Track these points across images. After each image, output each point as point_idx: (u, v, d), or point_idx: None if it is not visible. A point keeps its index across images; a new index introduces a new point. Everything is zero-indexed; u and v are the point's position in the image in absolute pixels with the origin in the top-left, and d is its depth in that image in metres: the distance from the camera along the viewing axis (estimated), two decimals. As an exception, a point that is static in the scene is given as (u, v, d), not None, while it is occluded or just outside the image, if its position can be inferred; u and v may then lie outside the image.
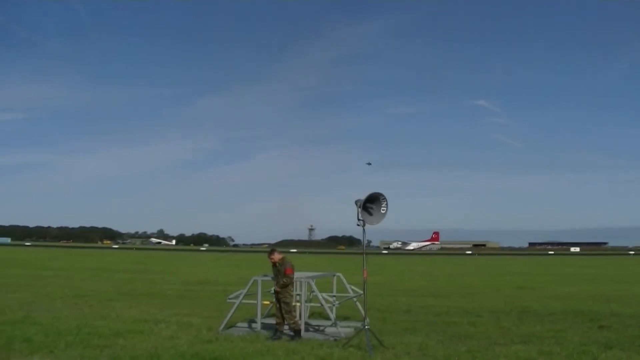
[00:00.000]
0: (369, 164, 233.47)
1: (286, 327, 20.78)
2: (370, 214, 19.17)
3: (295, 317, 20.76)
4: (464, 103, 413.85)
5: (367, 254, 19.80)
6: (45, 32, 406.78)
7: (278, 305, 20.75)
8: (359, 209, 18.86)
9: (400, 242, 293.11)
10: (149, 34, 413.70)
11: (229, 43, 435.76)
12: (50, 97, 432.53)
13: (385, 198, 19.11)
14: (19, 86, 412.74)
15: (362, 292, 22.14)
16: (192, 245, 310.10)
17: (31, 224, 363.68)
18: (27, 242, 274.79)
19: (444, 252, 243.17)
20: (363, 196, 18.97)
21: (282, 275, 20.58)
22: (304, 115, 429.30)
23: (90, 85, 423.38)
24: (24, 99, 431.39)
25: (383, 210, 19.24)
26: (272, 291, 21.48)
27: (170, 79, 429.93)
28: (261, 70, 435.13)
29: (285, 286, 20.58)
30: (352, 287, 24.82)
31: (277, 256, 21.09)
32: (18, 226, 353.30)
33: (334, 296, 24.18)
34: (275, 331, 20.68)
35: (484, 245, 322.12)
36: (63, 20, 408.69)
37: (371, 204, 19.13)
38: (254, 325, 22.44)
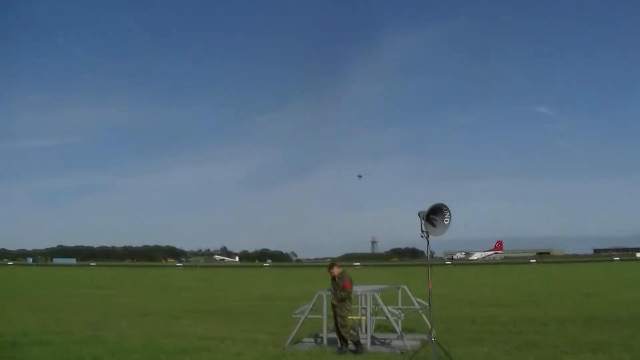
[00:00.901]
0: (360, 176, 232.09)
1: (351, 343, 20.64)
2: (434, 226, 18.97)
3: (350, 329, 20.62)
4: (524, 110, 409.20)
5: (431, 265, 19.61)
6: (105, 54, 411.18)
7: (335, 319, 20.61)
8: (423, 221, 18.69)
9: (463, 253, 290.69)
10: (208, 53, 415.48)
11: (287, 60, 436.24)
12: (111, 119, 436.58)
13: (448, 209, 18.91)
14: (79, 108, 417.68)
15: (427, 304, 21.94)
16: (256, 261, 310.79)
17: (95, 245, 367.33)
18: (92, 262, 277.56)
19: (507, 261, 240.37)
20: (426, 208, 18.80)
21: (340, 289, 20.45)
22: (364, 128, 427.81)
23: (150, 106, 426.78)
24: (85, 121, 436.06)
25: (446, 221, 19.04)
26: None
27: (229, 98, 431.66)
28: (320, 85, 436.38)
29: (342, 300, 20.43)
30: (417, 299, 24.65)
31: (336, 270, 20.97)
32: (83, 247, 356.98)
33: (400, 309, 23.99)
34: (341, 346, 20.56)
35: (548, 253, 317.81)
36: (122, 41, 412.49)
37: (434, 215, 18.94)
38: (319, 340, 22.35)
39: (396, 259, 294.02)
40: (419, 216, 18.84)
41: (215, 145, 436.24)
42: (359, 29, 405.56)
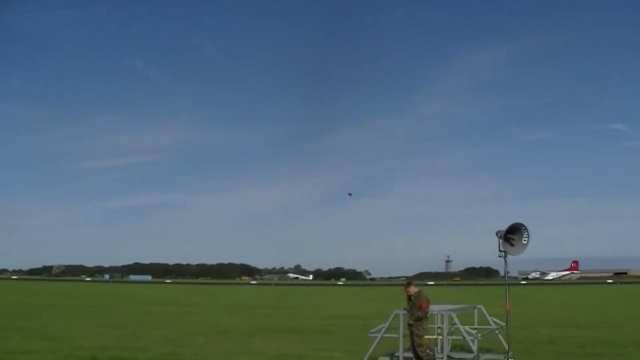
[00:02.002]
0: (350, 194, 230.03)
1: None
2: (512, 245, 18.88)
3: (427, 349, 20.52)
4: (599, 127, 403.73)
5: (507, 285, 19.43)
6: (179, 75, 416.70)
7: (411, 338, 20.51)
8: (500, 240, 18.59)
9: (538, 272, 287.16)
10: (279, 69, 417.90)
11: (360, 79, 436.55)
12: (185, 139, 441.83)
13: (526, 228, 18.80)
14: (154, 129, 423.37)
15: (504, 324, 21.78)
16: (332, 279, 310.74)
17: (170, 262, 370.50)
18: (167, 279, 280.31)
19: (583, 281, 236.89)
20: (504, 227, 18.69)
21: (417, 309, 20.36)
22: (436, 146, 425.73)
23: (222, 124, 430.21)
24: (160, 141, 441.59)
25: (524, 241, 18.93)
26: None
27: (302, 115, 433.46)
28: (393, 102, 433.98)
29: (419, 319, 20.35)
30: (494, 319, 24.46)
31: (413, 289, 20.89)
32: (158, 264, 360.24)
33: (476, 328, 23.83)
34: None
35: (625, 273, 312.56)
36: (196, 63, 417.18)
37: (512, 234, 18.82)
38: (395, 359, 22.28)
39: (457, 278, 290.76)
40: (497, 235, 18.74)
41: (289, 163, 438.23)
42: (430, 48, 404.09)
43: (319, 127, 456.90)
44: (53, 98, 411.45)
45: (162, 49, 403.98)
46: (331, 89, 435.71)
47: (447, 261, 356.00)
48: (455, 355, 23.58)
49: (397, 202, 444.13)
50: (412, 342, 20.45)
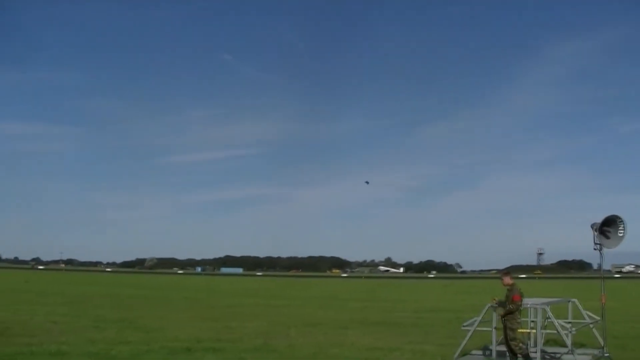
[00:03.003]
0: (367, 182, 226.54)
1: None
2: (608, 238, 18.57)
3: (519, 342, 20.28)
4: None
5: (599, 278, 19.10)
6: (269, 69, 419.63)
7: (504, 332, 20.26)
8: (596, 233, 18.31)
9: (633, 265, 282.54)
10: (366, 65, 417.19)
11: (449, 70, 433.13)
12: (277, 132, 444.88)
13: (622, 221, 18.48)
14: (247, 122, 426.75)
15: (599, 318, 21.49)
16: (424, 272, 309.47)
17: (262, 255, 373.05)
18: (258, 272, 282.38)
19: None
20: (599, 219, 18.41)
21: (509, 301, 20.11)
22: (529, 138, 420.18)
23: (316, 119, 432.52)
24: (252, 135, 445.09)
25: (620, 233, 18.62)
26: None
27: (393, 109, 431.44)
28: (480, 94, 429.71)
29: (511, 313, 20.10)
30: (588, 312, 24.11)
31: (507, 280, 20.62)
32: (249, 257, 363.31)
33: (570, 322, 23.50)
34: (511, 358, 20.28)
35: None
36: (286, 57, 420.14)
37: (608, 227, 18.52)
38: (488, 352, 22.14)
39: (539, 271, 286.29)
40: (592, 228, 18.46)
41: (379, 156, 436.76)
42: (521, 38, 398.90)
43: (411, 121, 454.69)
44: (145, 94, 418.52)
45: (251, 43, 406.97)
46: (423, 81, 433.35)
47: (539, 254, 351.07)
48: (549, 349, 23.31)
49: (488, 194, 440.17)
50: (505, 336, 20.22)
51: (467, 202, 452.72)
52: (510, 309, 20.04)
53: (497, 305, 20.50)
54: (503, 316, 20.11)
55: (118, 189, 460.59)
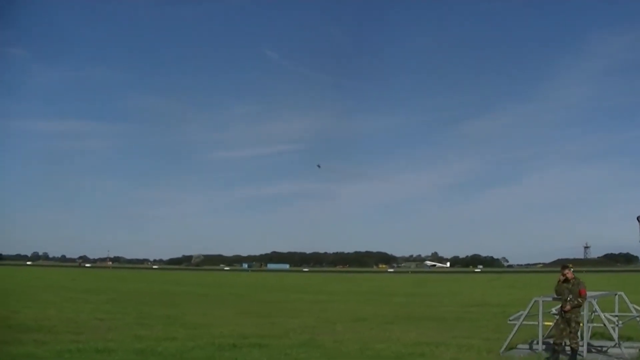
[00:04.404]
0: (319, 166, 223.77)
1: (567, 347, 20.11)
2: (654, 230, 18.35)
3: (577, 337, 20.12)
4: None
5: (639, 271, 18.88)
6: (310, 65, 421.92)
7: (562, 325, 20.03)
8: (641, 225, 18.12)
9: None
10: (409, 61, 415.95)
11: (490, 64, 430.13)
12: (318, 128, 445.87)
13: (669, 213, 18.22)
14: (288, 118, 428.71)
15: (646, 311, 21.29)
16: (470, 267, 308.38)
17: (308, 251, 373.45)
18: (305, 267, 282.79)
19: None
20: (646, 212, 18.18)
21: (575, 295, 19.86)
22: (574, 132, 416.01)
23: (356, 113, 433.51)
24: (293, 131, 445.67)
25: (667, 225, 18.38)
26: (553, 311, 21.00)
27: (435, 104, 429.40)
28: (526, 88, 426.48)
29: (577, 307, 19.90)
30: (635, 306, 23.88)
31: (571, 274, 20.38)
32: (296, 252, 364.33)
33: (617, 316, 23.28)
34: (553, 351, 20.11)
35: None
36: (325, 50, 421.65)
37: (655, 219, 18.31)
38: (535, 346, 22.00)
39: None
40: (638, 220, 18.28)
41: (426, 150, 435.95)
42: (565, 30, 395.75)
43: (455, 116, 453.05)
44: (188, 90, 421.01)
45: (294, 39, 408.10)
46: (466, 76, 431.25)
47: (586, 247, 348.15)
48: (596, 342, 23.13)
49: (533, 188, 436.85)
50: (563, 329, 19.91)
51: (512, 196, 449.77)
52: (578, 302, 19.82)
53: (558, 311, 20.38)
54: (568, 311, 19.84)
55: (163, 186, 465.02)
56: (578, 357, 19.86)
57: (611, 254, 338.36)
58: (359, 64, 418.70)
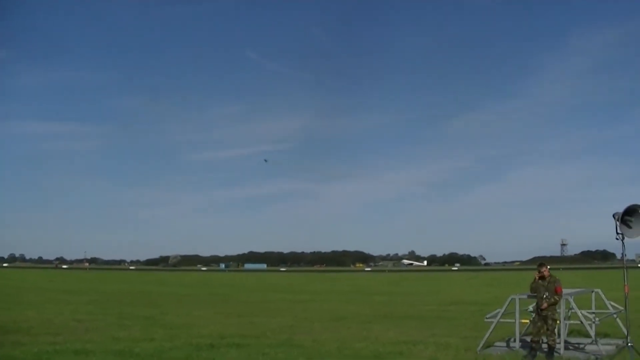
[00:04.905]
0: (266, 160, 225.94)
1: (544, 344, 20.26)
2: (630, 227, 18.50)
3: (555, 334, 20.25)
4: None
5: (623, 268, 19.03)
6: (292, 64, 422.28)
7: (540, 323, 20.13)
8: (618, 223, 18.26)
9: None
10: (391, 59, 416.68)
11: (473, 63, 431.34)
12: (300, 128, 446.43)
13: (644, 210, 18.39)
14: (271, 119, 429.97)
15: (622, 308, 21.44)
16: (446, 265, 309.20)
17: (285, 250, 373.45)
18: (282, 267, 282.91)
19: None
20: (622, 209, 18.36)
21: (551, 293, 19.95)
22: (554, 130, 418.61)
23: (338, 114, 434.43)
24: (275, 131, 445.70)
25: (643, 222, 18.53)
26: (530, 309, 21.14)
27: (418, 103, 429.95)
28: (510, 86, 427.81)
29: (554, 304, 20.00)
30: (612, 303, 24.07)
31: (547, 271, 20.48)
32: (273, 252, 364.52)
33: (594, 313, 23.47)
34: (530, 349, 20.24)
35: None
36: (307, 49, 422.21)
37: (630, 216, 18.46)
38: (512, 344, 22.14)
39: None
40: (614, 218, 18.42)
41: (404, 150, 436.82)
42: (547, 29, 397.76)
43: (436, 114, 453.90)
44: (169, 91, 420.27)
45: (274, 40, 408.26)
46: (448, 75, 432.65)
47: (563, 245, 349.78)
48: (573, 340, 23.30)
49: (511, 186, 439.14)
50: (540, 327, 20.00)
51: (490, 195, 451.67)
52: (555, 300, 19.90)
53: (534, 308, 20.50)
54: (545, 308, 19.92)
55: (140, 187, 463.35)
56: (555, 354, 19.98)
57: (588, 251, 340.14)
58: (342, 63, 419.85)
